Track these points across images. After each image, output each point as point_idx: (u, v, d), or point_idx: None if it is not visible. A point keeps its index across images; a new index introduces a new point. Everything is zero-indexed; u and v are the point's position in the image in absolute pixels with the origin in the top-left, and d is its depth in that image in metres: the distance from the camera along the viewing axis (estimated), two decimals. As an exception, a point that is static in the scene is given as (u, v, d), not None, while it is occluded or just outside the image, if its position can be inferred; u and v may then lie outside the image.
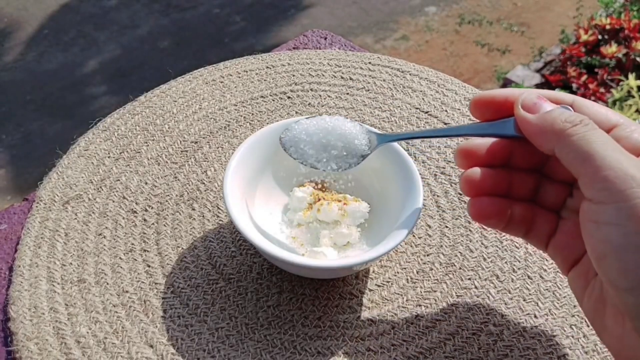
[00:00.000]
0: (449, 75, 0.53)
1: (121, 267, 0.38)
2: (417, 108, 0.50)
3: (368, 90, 0.52)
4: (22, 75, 2.15)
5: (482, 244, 0.40)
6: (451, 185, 0.44)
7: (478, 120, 0.34)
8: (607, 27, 1.73)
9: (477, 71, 2.12)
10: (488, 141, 0.33)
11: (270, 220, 0.39)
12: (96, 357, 0.34)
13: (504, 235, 0.40)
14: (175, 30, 2.35)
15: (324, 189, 0.41)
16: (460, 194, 0.43)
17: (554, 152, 0.29)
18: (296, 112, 0.50)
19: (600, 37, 1.75)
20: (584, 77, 1.67)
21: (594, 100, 1.63)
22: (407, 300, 0.37)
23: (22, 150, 1.87)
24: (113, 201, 0.43)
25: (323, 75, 0.53)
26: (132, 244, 0.40)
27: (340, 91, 0.52)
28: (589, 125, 0.28)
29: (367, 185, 0.41)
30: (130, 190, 0.43)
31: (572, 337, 0.35)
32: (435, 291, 0.37)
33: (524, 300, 0.37)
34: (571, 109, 0.31)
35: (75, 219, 0.41)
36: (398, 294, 0.37)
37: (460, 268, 0.39)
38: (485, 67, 2.13)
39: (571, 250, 0.31)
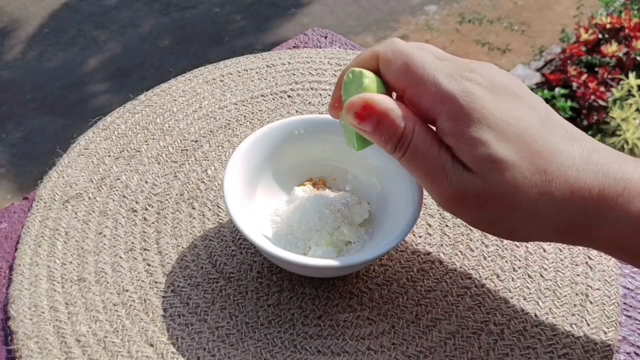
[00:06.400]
0: (449, 74, 0.53)
1: (121, 266, 0.38)
2: (417, 107, 0.50)
3: (368, 89, 0.52)
4: (22, 74, 2.15)
5: (482, 242, 0.40)
6: (451, 184, 0.44)
7: None
8: (608, 26, 1.73)
9: (477, 70, 2.11)
10: None
11: (270, 219, 0.39)
12: (96, 356, 0.34)
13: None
14: (175, 29, 2.35)
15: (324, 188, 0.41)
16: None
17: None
18: (296, 111, 0.49)
19: (600, 36, 1.74)
20: (585, 76, 1.66)
21: (594, 100, 1.63)
22: (407, 299, 0.37)
23: (23, 149, 1.87)
24: (113, 200, 0.43)
25: (323, 74, 0.53)
26: (132, 242, 0.40)
27: (340, 90, 0.52)
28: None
29: (367, 185, 0.41)
30: (131, 189, 0.43)
31: (572, 336, 0.35)
32: (435, 290, 0.37)
33: (525, 299, 0.37)
34: None
35: (76, 217, 0.41)
36: (398, 293, 0.37)
37: (460, 267, 0.39)
38: (485, 66, 2.12)
39: None
